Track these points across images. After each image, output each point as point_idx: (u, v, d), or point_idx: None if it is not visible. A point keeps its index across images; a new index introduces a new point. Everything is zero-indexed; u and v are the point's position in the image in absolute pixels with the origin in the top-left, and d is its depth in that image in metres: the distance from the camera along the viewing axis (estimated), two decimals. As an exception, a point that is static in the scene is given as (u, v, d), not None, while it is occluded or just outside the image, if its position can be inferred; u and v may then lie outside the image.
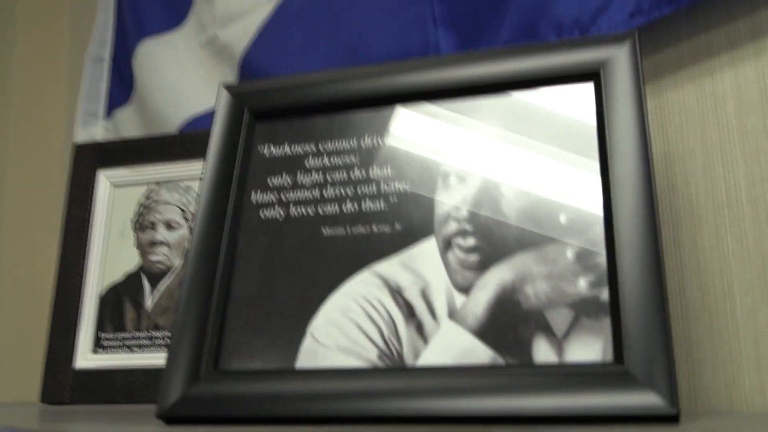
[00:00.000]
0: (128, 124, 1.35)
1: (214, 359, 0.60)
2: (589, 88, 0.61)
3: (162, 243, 0.97)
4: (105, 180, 1.05)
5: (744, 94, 0.66)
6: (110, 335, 0.97)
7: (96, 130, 1.39)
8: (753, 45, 0.65)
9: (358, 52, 0.95)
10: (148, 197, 1.02)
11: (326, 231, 0.63)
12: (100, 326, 0.98)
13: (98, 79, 1.41)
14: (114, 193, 1.05)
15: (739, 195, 0.65)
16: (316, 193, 0.65)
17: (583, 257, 0.56)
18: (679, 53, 0.71)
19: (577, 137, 0.60)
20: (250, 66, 1.11)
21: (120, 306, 0.99)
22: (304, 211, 0.65)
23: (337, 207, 0.64)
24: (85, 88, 1.42)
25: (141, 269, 0.99)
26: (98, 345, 0.97)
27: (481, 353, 0.55)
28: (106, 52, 1.42)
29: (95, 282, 1.01)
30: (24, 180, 1.53)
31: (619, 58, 0.61)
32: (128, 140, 1.07)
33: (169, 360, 0.60)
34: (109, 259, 1.01)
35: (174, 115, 1.20)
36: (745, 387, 0.62)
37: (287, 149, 0.68)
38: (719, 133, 0.67)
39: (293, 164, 0.67)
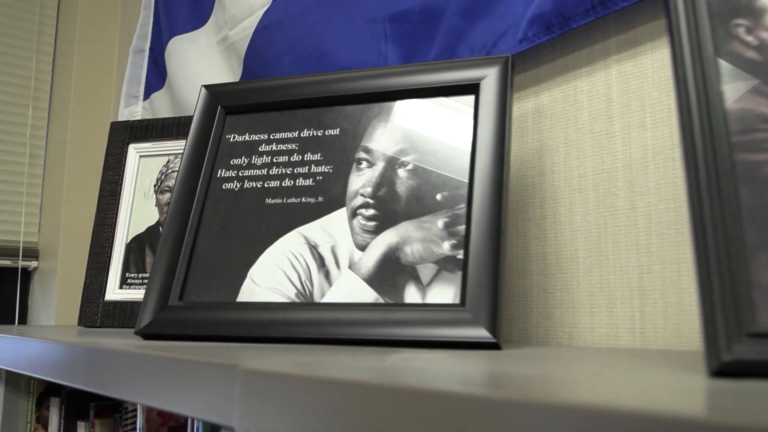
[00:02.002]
0: (161, 106, 1.42)
1: (180, 293, 0.69)
2: (471, 98, 0.69)
3: (174, 204, 1.04)
4: (134, 151, 1.14)
5: (594, 104, 0.71)
6: (133, 275, 1.07)
7: (136, 110, 1.46)
8: (603, 64, 0.71)
9: (326, 58, 0.99)
10: (167, 166, 1.11)
11: (268, 200, 0.72)
12: (126, 268, 1.08)
13: (139, 67, 1.47)
14: (140, 162, 1.13)
15: (587, 182, 0.71)
16: (264, 171, 0.74)
17: (449, 226, 0.64)
18: (553, 69, 0.76)
19: (459, 136, 0.68)
20: (249, 62, 1.15)
21: (142, 252, 1.08)
22: (254, 184, 0.73)
23: (278, 182, 0.72)
24: (128, 75, 1.49)
25: (159, 224, 1.08)
26: (124, 282, 1.07)
27: (368, 294, 0.64)
28: (146, 45, 1.47)
29: (123, 233, 1.10)
30: (80, 149, 1.59)
31: (491, 76, 0.68)
32: (152, 120, 1.14)
33: (147, 292, 0.70)
34: (134, 215, 1.10)
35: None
36: (581, 327, 0.69)
37: (246, 137, 0.76)
38: (576, 134, 0.72)
39: (250, 149, 0.76)
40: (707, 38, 0.41)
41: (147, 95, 1.45)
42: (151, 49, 1.47)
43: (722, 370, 0.33)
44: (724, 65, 0.41)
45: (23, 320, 1.62)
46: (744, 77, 0.40)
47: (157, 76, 1.44)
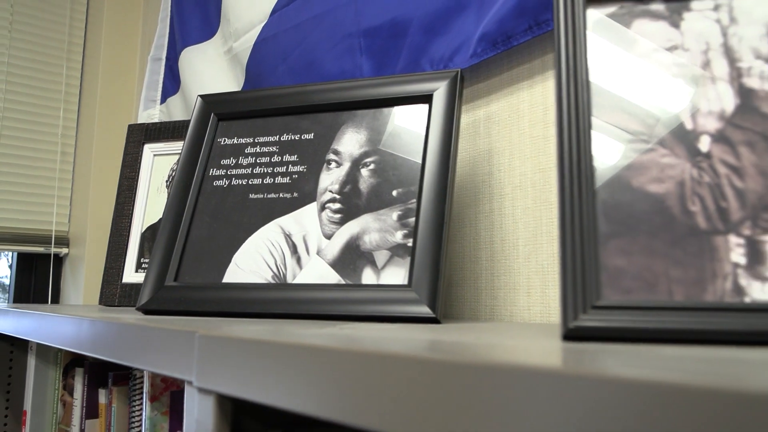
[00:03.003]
0: (176, 109, 1.47)
1: (176, 274, 0.76)
2: (425, 107, 0.74)
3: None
4: (148, 151, 1.20)
5: (534, 112, 0.76)
6: (147, 260, 1.13)
7: (153, 112, 1.52)
8: (541, 77, 0.76)
9: (313, 68, 1.04)
10: (177, 164, 1.17)
11: (252, 196, 0.78)
12: (141, 253, 1.14)
13: (156, 74, 1.53)
14: (154, 160, 1.19)
15: (527, 180, 0.76)
16: (249, 170, 0.79)
17: (402, 218, 0.70)
18: (500, 81, 0.81)
19: (413, 140, 0.73)
20: (250, 71, 1.21)
21: (155, 240, 1.14)
22: (240, 182, 0.79)
23: (260, 180, 0.78)
24: (146, 81, 1.55)
25: (169, 215, 1.14)
26: (139, 266, 1.14)
27: (332, 276, 0.70)
28: (163, 54, 1.53)
29: (139, 223, 1.16)
30: (105, 147, 1.65)
31: (442, 88, 0.74)
32: (164, 123, 1.20)
33: (147, 273, 0.76)
34: (148, 207, 1.16)
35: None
36: (520, 306, 0.75)
37: (235, 140, 0.82)
38: (519, 138, 0.78)
39: (237, 151, 0.82)
40: (583, 65, 0.47)
41: (164, 99, 1.51)
42: (167, 58, 1.52)
43: (570, 334, 0.39)
44: (594, 83, 0.46)
45: (56, 300, 1.70)
46: (612, 95, 0.46)
47: (172, 82, 1.50)
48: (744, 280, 0.39)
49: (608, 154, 0.44)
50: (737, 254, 0.39)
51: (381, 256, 0.69)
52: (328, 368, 0.34)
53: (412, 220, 0.69)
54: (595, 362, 0.27)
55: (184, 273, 0.76)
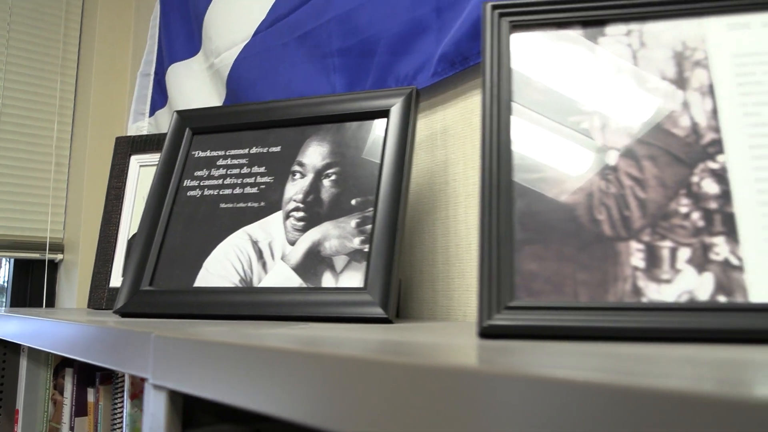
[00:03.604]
0: (164, 121, 1.49)
1: (150, 279, 0.78)
2: (384, 121, 0.77)
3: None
4: (135, 162, 1.22)
5: None
6: None
7: (142, 125, 1.53)
8: None
9: (290, 86, 1.06)
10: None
11: (222, 205, 0.80)
12: (127, 259, 1.16)
13: (145, 88, 1.55)
14: (140, 171, 1.21)
15: (476, 188, 0.79)
16: (220, 181, 0.81)
17: (360, 226, 0.72)
18: (456, 96, 0.83)
19: (373, 151, 0.76)
20: (230, 86, 1.23)
21: None
22: (212, 192, 0.81)
23: (230, 190, 0.80)
24: (135, 95, 1.57)
25: (154, 223, 1.16)
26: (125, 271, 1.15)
27: (295, 280, 0.72)
28: (151, 70, 1.55)
29: (125, 230, 1.18)
30: (97, 158, 1.66)
31: (399, 104, 0.76)
32: (150, 135, 1.22)
33: (123, 278, 0.78)
34: (135, 215, 1.17)
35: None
36: (473, 307, 0.77)
37: (208, 153, 0.84)
38: (471, 150, 0.80)
39: (210, 163, 0.84)
40: (506, 82, 0.49)
41: (152, 112, 1.53)
42: (155, 73, 1.54)
43: (484, 332, 0.42)
44: (516, 103, 0.49)
45: (51, 304, 1.71)
46: (531, 113, 0.48)
47: (160, 96, 1.52)
48: (642, 282, 0.41)
49: (526, 168, 0.46)
50: (637, 258, 0.42)
51: (340, 261, 0.71)
52: (267, 366, 0.36)
53: (369, 227, 0.71)
54: (491, 358, 0.29)
55: (159, 278, 0.78)
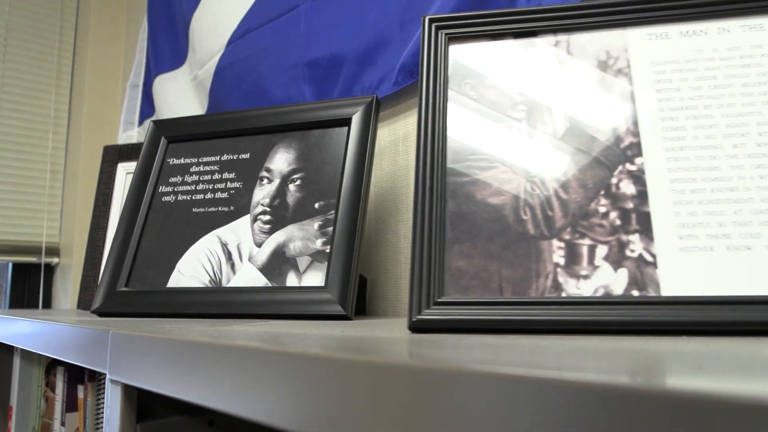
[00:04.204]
0: None
1: (126, 280, 0.78)
2: (345, 129, 0.77)
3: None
4: (122, 169, 1.22)
5: None
6: None
7: (132, 134, 1.54)
8: None
9: (265, 94, 1.07)
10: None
11: (195, 210, 0.80)
12: None
13: (134, 98, 1.56)
14: (126, 178, 1.21)
15: None
16: (193, 187, 0.82)
17: (322, 228, 0.73)
18: (416, 104, 0.83)
19: (336, 157, 0.76)
20: (212, 96, 1.24)
21: None
22: (185, 197, 0.82)
23: (202, 195, 0.81)
24: (125, 105, 1.57)
25: (139, 227, 1.16)
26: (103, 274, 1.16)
27: (261, 280, 0.72)
28: (140, 81, 1.56)
29: (112, 235, 1.18)
30: (91, 166, 1.66)
31: (359, 112, 0.77)
32: (135, 144, 1.22)
33: (101, 280, 0.78)
34: None
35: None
36: None
37: (182, 160, 0.85)
38: None
39: (183, 170, 0.84)
40: (441, 91, 0.50)
41: (141, 121, 1.53)
42: (143, 84, 1.54)
43: (414, 326, 0.42)
44: (450, 110, 0.50)
45: (48, 305, 1.71)
46: (464, 119, 0.49)
47: (148, 106, 1.52)
48: (561, 278, 0.42)
49: (458, 171, 0.47)
50: (558, 256, 0.43)
51: (303, 262, 0.72)
52: (214, 362, 0.37)
53: (331, 229, 0.72)
54: (414, 350, 0.30)
55: (134, 279, 0.78)
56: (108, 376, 0.47)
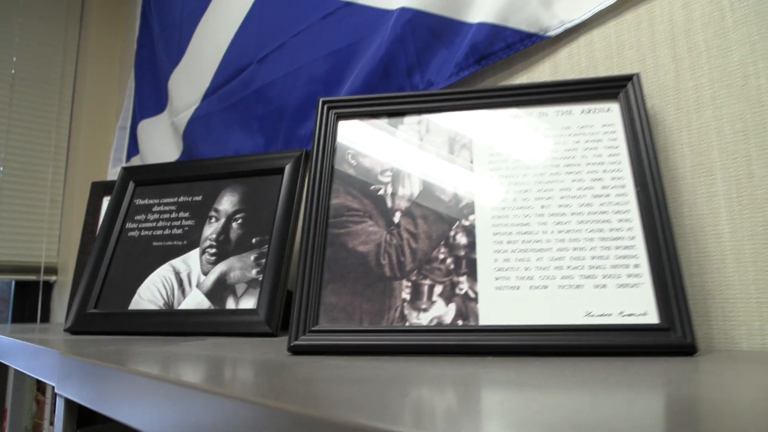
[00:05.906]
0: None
1: (95, 303, 0.82)
2: (279, 177, 0.83)
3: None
4: (107, 202, 1.25)
5: None
6: None
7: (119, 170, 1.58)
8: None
9: (229, 143, 1.11)
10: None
11: (155, 243, 0.85)
12: None
13: (122, 139, 1.59)
14: None
15: None
16: (154, 224, 0.87)
17: (257, 260, 0.78)
18: None
19: (271, 200, 0.82)
20: (185, 142, 1.28)
21: None
22: (147, 233, 0.87)
23: (161, 231, 0.86)
24: (114, 144, 1.61)
25: (120, 252, 1.20)
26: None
27: (206, 303, 0.77)
28: (127, 123, 1.59)
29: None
30: (86, 195, 1.71)
31: (291, 163, 0.82)
32: None
33: (72, 302, 0.83)
34: None
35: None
36: None
37: (147, 201, 0.90)
38: None
39: (147, 209, 0.89)
40: (329, 159, 0.56)
41: (128, 159, 1.57)
42: (130, 127, 1.58)
43: (292, 349, 0.48)
44: (337, 175, 0.56)
45: (46, 320, 1.73)
46: (345, 182, 0.55)
47: (134, 146, 1.55)
48: (407, 311, 0.48)
49: (338, 224, 0.53)
50: (405, 293, 0.49)
51: (240, 288, 0.77)
52: (133, 386, 0.42)
53: (264, 260, 0.77)
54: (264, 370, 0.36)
55: (102, 302, 0.82)
56: (56, 390, 0.52)
